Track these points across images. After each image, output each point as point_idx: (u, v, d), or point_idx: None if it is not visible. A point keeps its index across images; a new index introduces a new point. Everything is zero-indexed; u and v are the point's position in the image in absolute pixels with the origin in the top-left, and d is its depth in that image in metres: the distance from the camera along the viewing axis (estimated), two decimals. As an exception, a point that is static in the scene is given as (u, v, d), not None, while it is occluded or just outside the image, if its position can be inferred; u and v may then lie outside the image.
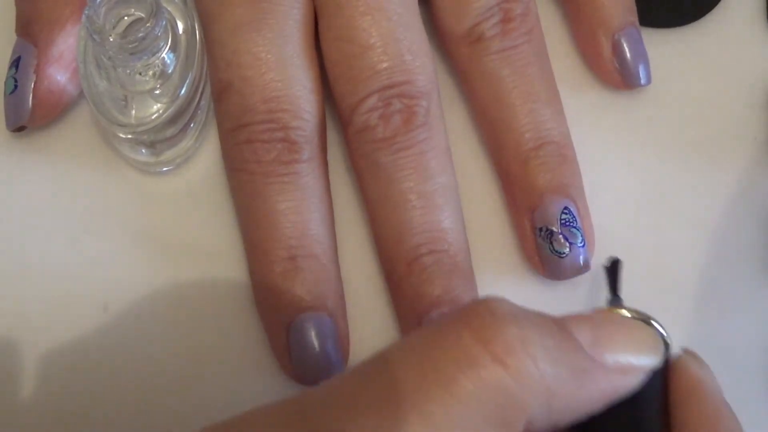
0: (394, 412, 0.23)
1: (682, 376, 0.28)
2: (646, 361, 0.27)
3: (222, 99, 0.34)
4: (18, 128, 0.35)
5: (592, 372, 0.25)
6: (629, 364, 0.26)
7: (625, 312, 0.28)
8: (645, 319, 0.28)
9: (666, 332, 0.28)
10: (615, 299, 0.31)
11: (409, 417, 0.23)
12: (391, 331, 0.35)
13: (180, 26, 0.33)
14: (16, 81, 0.34)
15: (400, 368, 0.24)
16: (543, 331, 0.25)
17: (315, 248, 0.33)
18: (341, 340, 0.33)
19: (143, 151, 0.35)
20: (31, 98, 0.34)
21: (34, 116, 0.35)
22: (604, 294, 0.35)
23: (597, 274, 0.35)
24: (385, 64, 0.33)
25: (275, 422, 0.24)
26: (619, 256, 0.32)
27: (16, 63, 0.34)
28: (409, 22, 0.34)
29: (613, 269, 0.32)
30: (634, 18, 0.37)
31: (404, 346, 0.25)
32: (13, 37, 0.35)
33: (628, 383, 0.26)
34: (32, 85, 0.34)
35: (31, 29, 0.34)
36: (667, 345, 0.28)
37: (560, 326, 0.26)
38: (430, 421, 0.23)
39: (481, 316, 0.24)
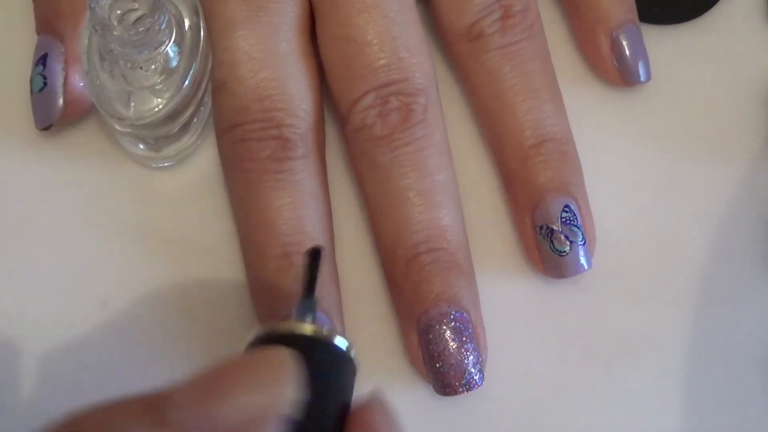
0: None
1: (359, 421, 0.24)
2: (269, 407, 0.22)
3: (217, 98, 0.34)
4: (46, 126, 0.35)
5: None
6: (247, 414, 0.22)
7: (306, 328, 0.25)
8: (327, 339, 0.25)
9: (351, 351, 0.25)
10: (306, 302, 0.27)
11: None
12: (390, 330, 0.35)
13: (186, 22, 0.33)
14: (44, 78, 0.34)
15: None
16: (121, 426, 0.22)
17: (309, 245, 0.33)
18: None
19: (141, 146, 0.35)
20: (61, 95, 0.34)
21: (66, 113, 0.34)
22: (605, 294, 0.36)
23: (598, 273, 0.35)
24: (381, 62, 0.33)
25: None
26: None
27: (42, 60, 0.34)
28: (406, 20, 0.34)
29: (313, 261, 0.28)
30: (633, 15, 0.36)
31: None
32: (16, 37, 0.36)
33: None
34: (63, 82, 0.34)
35: (55, 26, 0.34)
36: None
37: (153, 413, 0.22)
38: None
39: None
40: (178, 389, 0.22)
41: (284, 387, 0.23)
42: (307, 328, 0.25)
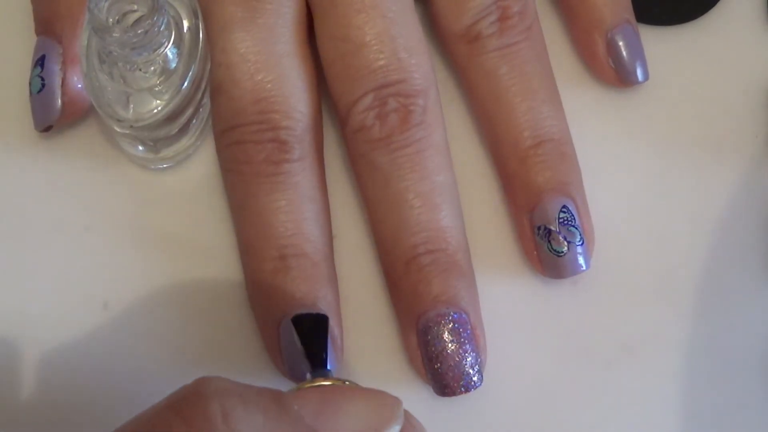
0: None
1: None
2: (385, 428, 0.26)
3: (214, 100, 0.34)
4: (46, 128, 0.35)
5: None
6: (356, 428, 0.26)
7: (325, 383, 0.27)
8: None
9: None
10: (318, 369, 0.30)
11: None
12: (389, 331, 0.35)
13: (185, 23, 0.33)
14: (42, 80, 0.34)
15: None
16: (252, 406, 0.24)
17: (306, 247, 0.33)
18: (333, 339, 0.33)
19: (140, 147, 0.35)
20: (60, 96, 0.34)
21: (64, 114, 0.34)
22: (604, 294, 0.36)
23: (598, 273, 0.35)
24: (380, 63, 0.33)
25: None
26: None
27: (40, 62, 0.34)
28: (405, 20, 0.34)
29: (317, 330, 0.30)
30: (629, 15, 0.37)
31: None
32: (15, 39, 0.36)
33: None
34: (60, 83, 0.34)
35: (53, 27, 0.34)
36: None
37: (278, 401, 0.25)
38: None
39: (187, 396, 0.25)
40: (302, 393, 0.26)
41: (390, 419, 0.26)
42: (328, 380, 0.27)
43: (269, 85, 0.33)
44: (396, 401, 0.26)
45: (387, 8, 0.33)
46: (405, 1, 0.34)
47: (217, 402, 0.24)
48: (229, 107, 0.33)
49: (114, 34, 0.30)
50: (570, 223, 0.34)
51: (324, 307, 0.33)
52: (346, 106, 0.33)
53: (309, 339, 0.30)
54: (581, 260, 0.34)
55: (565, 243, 0.34)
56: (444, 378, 0.32)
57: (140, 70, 0.32)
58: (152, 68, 0.32)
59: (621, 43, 0.36)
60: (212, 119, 0.34)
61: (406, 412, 0.27)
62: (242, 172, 0.33)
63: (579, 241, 0.34)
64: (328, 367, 0.30)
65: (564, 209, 0.34)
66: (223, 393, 0.24)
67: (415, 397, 0.34)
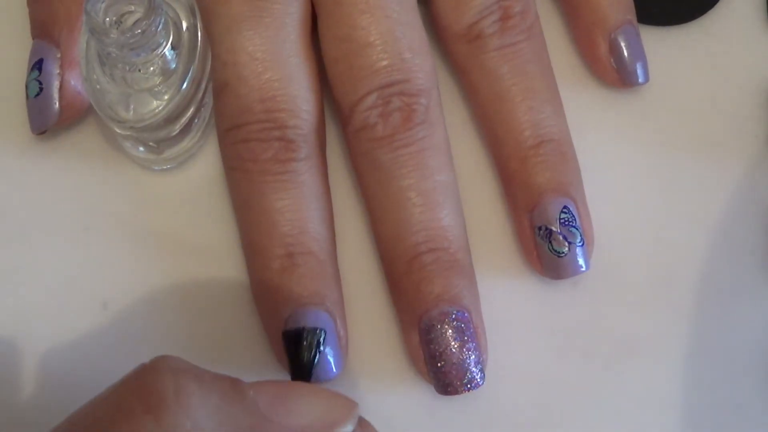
0: None
1: None
2: (338, 427, 0.27)
3: (219, 98, 0.34)
4: (41, 132, 0.35)
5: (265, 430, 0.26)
6: (316, 427, 0.27)
7: None
8: None
9: None
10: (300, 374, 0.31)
11: None
12: (390, 330, 0.35)
13: (184, 24, 0.33)
14: (40, 84, 0.34)
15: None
16: (208, 386, 0.25)
17: (312, 245, 0.33)
18: (339, 337, 0.33)
19: (141, 149, 0.35)
20: (57, 100, 0.34)
21: (63, 117, 0.35)
22: (604, 295, 0.36)
23: (598, 274, 0.35)
24: (384, 63, 0.33)
25: None
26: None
27: (38, 65, 0.34)
28: (408, 20, 0.34)
29: (296, 339, 0.31)
30: (632, 16, 0.37)
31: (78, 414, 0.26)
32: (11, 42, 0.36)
33: None
34: (58, 87, 0.34)
35: (50, 31, 0.34)
36: None
37: (234, 386, 0.26)
38: None
39: (141, 372, 0.25)
40: (260, 383, 0.26)
41: (342, 419, 0.27)
42: None
43: (276, 84, 0.33)
44: (352, 404, 0.27)
45: (391, 9, 0.33)
46: (408, 2, 0.34)
47: (170, 377, 0.24)
48: (235, 105, 0.33)
49: (111, 36, 0.30)
50: (571, 223, 0.34)
51: (331, 305, 0.33)
52: (349, 105, 0.33)
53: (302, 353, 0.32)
54: (581, 261, 0.34)
55: (566, 243, 0.34)
56: (447, 376, 0.32)
57: (140, 71, 0.32)
58: (152, 69, 0.32)
59: (623, 44, 0.36)
60: (216, 117, 0.34)
61: (363, 420, 0.28)
62: (247, 170, 0.33)
63: (579, 242, 0.34)
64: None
65: (565, 210, 0.34)
66: (179, 371, 0.25)
67: (417, 397, 0.34)
